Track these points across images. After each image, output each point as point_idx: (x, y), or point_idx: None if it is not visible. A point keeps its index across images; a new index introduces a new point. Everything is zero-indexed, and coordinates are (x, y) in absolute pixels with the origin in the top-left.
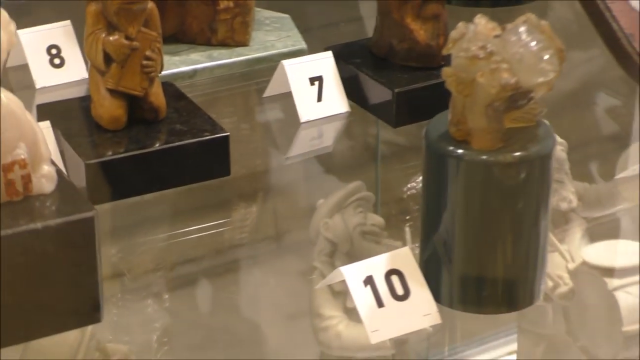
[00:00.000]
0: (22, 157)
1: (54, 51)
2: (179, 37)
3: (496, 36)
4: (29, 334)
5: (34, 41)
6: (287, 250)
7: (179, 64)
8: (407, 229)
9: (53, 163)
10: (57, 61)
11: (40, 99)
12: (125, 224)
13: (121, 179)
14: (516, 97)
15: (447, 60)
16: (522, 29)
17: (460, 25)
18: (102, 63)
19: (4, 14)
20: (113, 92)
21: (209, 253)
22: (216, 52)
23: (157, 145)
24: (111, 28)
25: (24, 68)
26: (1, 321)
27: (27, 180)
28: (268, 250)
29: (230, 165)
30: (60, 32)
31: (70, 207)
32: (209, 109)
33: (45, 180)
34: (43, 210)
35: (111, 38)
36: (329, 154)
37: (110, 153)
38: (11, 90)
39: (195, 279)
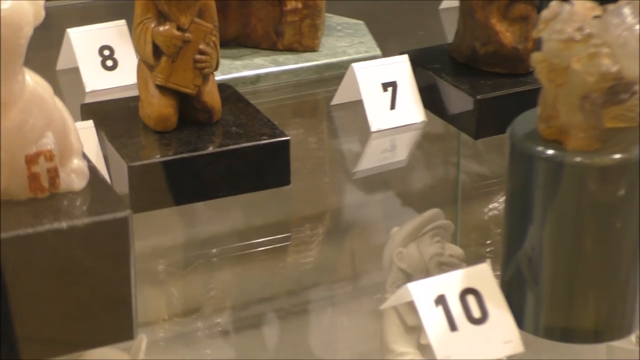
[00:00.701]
0: (49, 147)
1: (106, 52)
2: (242, 40)
3: (595, 17)
4: (48, 350)
5: (86, 41)
6: (357, 281)
7: (241, 68)
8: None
9: (86, 158)
10: (109, 63)
11: None
12: (172, 235)
13: (168, 185)
14: (617, 89)
15: None
16: (625, 10)
17: (554, 4)
18: (151, 56)
19: None
20: (162, 89)
21: (268, 277)
22: (282, 57)
23: (209, 148)
24: (162, 18)
25: (75, 71)
26: (18, 333)
27: (53, 174)
28: (334, 282)
29: (291, 174)
30: (113, 32)
31: (101, 206)
32: (272, 116)
33: (75, 175)
34: (70, 208)
35: (161, 29)
36: (403, 169)
37: (157, 155)
38: (60, 94)
39: (256, 308)
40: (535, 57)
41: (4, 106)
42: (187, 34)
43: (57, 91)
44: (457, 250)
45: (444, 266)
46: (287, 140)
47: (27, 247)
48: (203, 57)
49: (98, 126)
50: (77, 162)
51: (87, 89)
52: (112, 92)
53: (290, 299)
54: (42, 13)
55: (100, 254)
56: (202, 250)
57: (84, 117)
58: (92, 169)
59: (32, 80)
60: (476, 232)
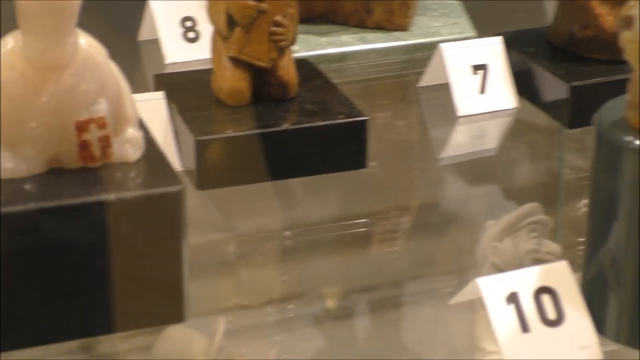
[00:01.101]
0: (102, 115)
1: (188, 24)
2: (330, 16)
3: None
4: (91, 329)
5: (168, 12)
6: (446, 275)
7: (327, 45)
8: None
9: (143, 128)
10: (191, 35)
11: None
12: (239, 215)
13: (237, 162)
14: None
15: None
16: None
17: None
18: (225, 26)
19: None
20: (236, 61)
21: (344, 266)
22: (370, 35)
23: (282, 125)
24: None
25: (156, 42)
26: (59, 308)
27: (105, 143)
28: (421, 274)
29: (370, 158)
30: (196, 3)
31: (154, 179)
32: (355, 96)
33: (129, 145)
34: (122, 180)
35: None
36: (492, 157)
37: (226, 130)
38: (140, 65)
39: (336, 295)
40: (624, 36)
41: (55, 69)
42: (262, 4)
43: (138, 62)
44: (554, 247)
45: (540, 263)
46: (365, 121)
47: (73, 218)
48: (279, 29)
49: (169, 98)
50: (131, 132)
51: (167, 61)
52: (193, 64)
53: (370, 291)
54: None
55: (150, 229)
56: (271, 232)
57: (157, 88)
58: (149, 140)
59: (85, 42)
60: (575, 229)
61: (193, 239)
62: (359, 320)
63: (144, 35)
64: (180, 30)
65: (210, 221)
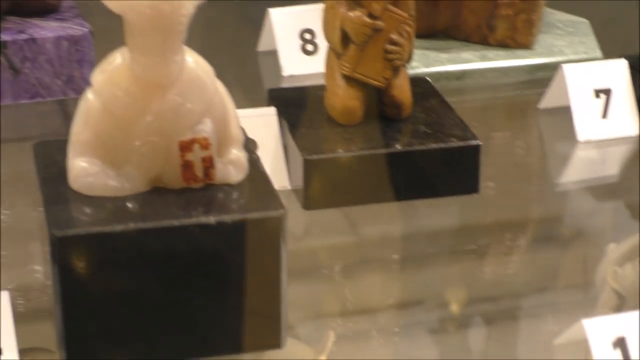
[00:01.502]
0: (205, 135)
1: (307, 36)
2: (452, 32)
3: None
4: (186, 351)
5: (287, 23)
6: (563, 297)
7: (447, 62)
8: None
9: (248, 149)
10: (309, 47)
11: None
12: (346, 235)
13: (346, 182)
14: None
15: None
16: None
17: None
18: (339, 44)
19: None
20: (349, 79)
21: (455, 283)
22: (492, 52)
23: (394, 146)
24: (354, 3)
25: (274, 53)
26: (149, 330)
27: (208, 164)
28: (536, 294)
29: (480, 181)
30: (317, 16)
31: (255, 202)
32: (473, 116)
33: (232, 167)
34: (223, 202)
35: (351, 14)
36: (614, 185)
37: (337, 150)
38: (257, 76)
39: (439, 313)
40: None
41: (160, 87)
42: (378, 22)
43: (255, 73)
44: None
45: None
46: (478, 146)
47: (173, 240)
48: (394, 47)
49: (281, 113)
50: (235, 153)
51: (285, 73)
52: (310, 77)
53: (481, 306)
54: None
55: (249, 253)
56: (380, 253)
57: (270, 103)
58: (253, 160)
59: (192, 61)
60: None
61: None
62: (475, 330)
63: (263, 45)
64: (299, 42)
65: (314, 239)
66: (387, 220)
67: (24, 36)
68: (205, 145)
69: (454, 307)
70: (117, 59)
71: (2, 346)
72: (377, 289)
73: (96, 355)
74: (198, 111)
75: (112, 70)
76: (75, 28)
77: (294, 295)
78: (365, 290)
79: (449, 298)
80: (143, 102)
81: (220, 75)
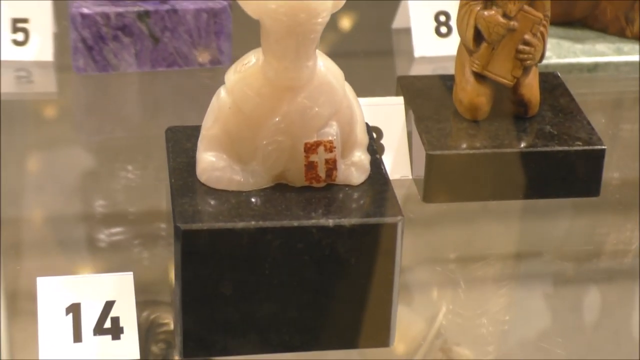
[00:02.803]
0: (331, 138)
1: (442, 18)
2: (589, 22)
3: None
4: (299, 345)
5: (422, 4)
6: None
7: (580, 53)
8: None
9: (371, 151)
10: (443, 30)
11: (416, 70)
12: (468, 231)
13: (467, 178)
14: None
15: None
16: None
17: None
18: (471, 41)
19: None
20: (478, 76)
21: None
22: (628, 46)
23: (517, 146)
24: (489, 2)
25: (408, 32)
26: (262, 324)
27: (331, 165)
28: None
29: (601, 185)
30: None
31: (373, 207)
32: (601, 111)
33: (354, 169)
34: (342, 204)
35: (486, 13)
36: None
37: (460, 146)
38: (389, 55)
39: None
40: None
41: (290, 90)
42: (512, 22)
43: (388, 52)
44: None
45: None
46: (603, 150)
47: (291, 239)
48: (527, 48)
49: (408, 103)
50: (359, 155)
51: (416, 54)
52: (442, 60)
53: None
54: (342, 1)
55: (364, 256)
56: (490, 250)
57: (398, 90)
58: (376, 163)
59: (324, 66)
60: None
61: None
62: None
63: (397, 23)
64: (433, 24)
65: (433, 234)
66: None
67: (166, 7)
68: (329, 148)
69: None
70: (251, 59)
71: (123, 325)
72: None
73: (211, 346)
74: (325, 115)
75: (245, 71)
76: (215, 1)
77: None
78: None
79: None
80: (273, 103)
81: (355, 50)
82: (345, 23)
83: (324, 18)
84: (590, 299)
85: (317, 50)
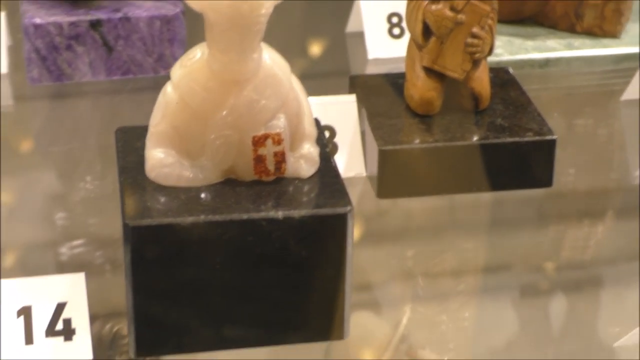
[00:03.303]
0: (278, 130)
1: (394, 19)
2: (539, 19)
3: None
4: (253, 340)
5: (375, 5)
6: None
7: (531, 50)
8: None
9: (321, 144)
10: (396, 31)
11: (370, 72)
12: (423, 224)
13: (420, 173)
14: None
15: None
16: None
17: None
18: (420, 35)
19: None
20: (429, 71)
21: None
22: (578, 41)
23: (469, 139)
24: None
25: (362, 35)
26: (217, 319)
27: (280, 158)
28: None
29: (554, 175)
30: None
31: (323, 198)
32: (554, 106)
33: (303, 161)
34: (292, 197)
35: (433, 7)
36: None
37: (413, 141)
38: (343, 59)
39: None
40: None
41: (237, 83)
42: (460, 16)
43: (342, 55)
44: None
45: None
46: (554, 140)
47: (242, 232)
48: (475, 41)
49: (360, 101)
50: (307, 148)
51: (370, 56)
52: (395, 61)
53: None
54: None
55: (314, 247)
56: (450, 244)
57: (351, 89)
58: (325, 156)
59: (269, 58)
60: None
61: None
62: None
63: (351, 27)
64: (386, 25)
65: (389, 227)
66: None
67: (118, 15)
68: (277, 141)
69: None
70: (197, 54)
71: (75, 326)
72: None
73: (165, 343)
74: (272, 107)
75: (191, 66)
76: (169, 8)
77: (375, 258)
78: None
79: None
80: (219, 97)
81: (310, 53)
82: (300, 27)
83: (267, 9)
84: (553, 303)
85: (262, 43)
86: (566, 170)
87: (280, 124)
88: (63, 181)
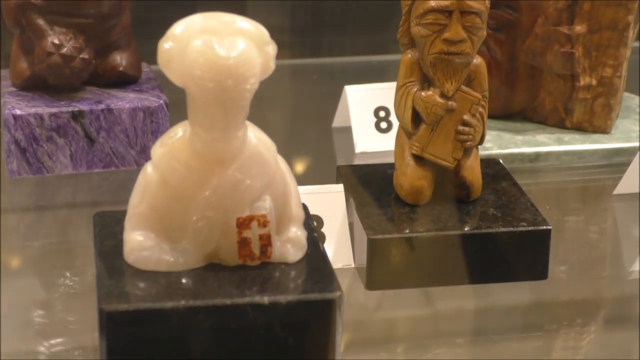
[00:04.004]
0: (264, 212)
1: (382, 113)
2: (528, 114)
3: None
4: None
5: (362, 100)
6: None
7: (521, 144)
8: None
9: (308, 228)
10: (383, 125)
11: None
12: (412, 318)
13: (411, 264)
14: None
15: None
16: None
17: None
18: (410, 123)
19: (263, 31)
20: (418, 159)
21: None
22: (568, 136)
23: (460, 229)
24: (426, 82)
25: (348, 130)
26: None
27: (266, 241)
28: None
29: (549, 267)
30: (392, 94)
31: (311, 283)
32: (545, 200)
33: (290, 245)
34: (278, 282)
35: (423, 94)
36: None
37: (403, 230)
38: (330, 152)
39: None
40: None
41: (220, 162)
42: (450, 102)
43: (329, 149)
44: None
45: None
46: (548, 230)
47: (225, 318)
48: (466, 128)
49: (348, 191)
50: (294, 231)
51: (357, 150)
52: (383, 155)
53: None
54: (272, 65)
55: (303, 334)
56: (445, 338)
57: (339, 180)
58: (313, 240)
59: (254, 137)
60: None
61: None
62: None
63: (338, 121)
64: (373, 119)
65: (377, 318)
66: (454, 299)
67: (101, 106)
68: (263, 223)
69: None
70: (178, 132)
71: None
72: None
73: None
74: (258, 187)
75: (172, 144)
76: (152, 99)
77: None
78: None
79: None
80: (202, 176)
81: (296, 148)
82: (287, 122)
83: (252, 85)
84: None
85: (247, 121)
86: (558, 267)
87: (266, 205)
88: (40, 279)
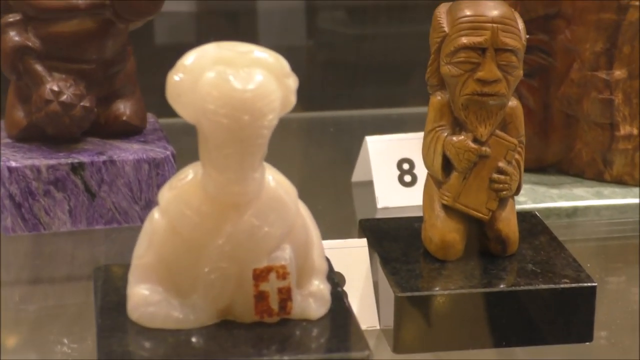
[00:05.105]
0: (283, 263)
1: (405, 166)
2: (564, 166)
3: None
4: None
5: (384, 152)
6: None
7: (557, 198)
8: None
9: (334, 283)
10: (407, 178)
11: None
12: None
13: (442, 324)
14: None
15: None
16: None
17: None
18: (440, 170)
19: (283, 62)
20: (449, 210)
21: None
22: (607, 189)
23: (498, 286)
24: (457, 127)
25: (369, 185)
26: None
27: (285, 296)
28: None
29: (594, 328)
30: (416, 144)
31: (336, 342)
32: (584, 258)
33: (312, 300)
34: (300, 340)
35: (455, 139)
36: None
37: (433, 288)
38: (350, 208)
39: None
40: None
41: (235, 207)
42: (484, 148)
43: (349, 205)
44: None
45: None
46: (594, 287)
47: None
48: (502, 177)
49: (372, 246)
50: (317, 285)
51: (379, 205)
52: (406, 210)
53: None
54: (292, 100)
55: None
56: None
57: (362, 234)
58: (337, 295)
59: (273, 179)
60: None
61: None
62: None
63: (358, 176)
64: (396, 172)
65: None
66: None
67: (102, 157)
68: (282, 275)
69: None
70: (189, 174)
71: None
72: None
73: None
74: (277, 235)
75: (181, 187)
76: (158, 150)
77: None
78: None
79: None
80: (215, 223)
81: (312, 205)
82: (304, 176)
83: (270, 121)
84: None
85: (265, 162)
86: (598, 332)
87: (285, 255)
88: (39, 343)
